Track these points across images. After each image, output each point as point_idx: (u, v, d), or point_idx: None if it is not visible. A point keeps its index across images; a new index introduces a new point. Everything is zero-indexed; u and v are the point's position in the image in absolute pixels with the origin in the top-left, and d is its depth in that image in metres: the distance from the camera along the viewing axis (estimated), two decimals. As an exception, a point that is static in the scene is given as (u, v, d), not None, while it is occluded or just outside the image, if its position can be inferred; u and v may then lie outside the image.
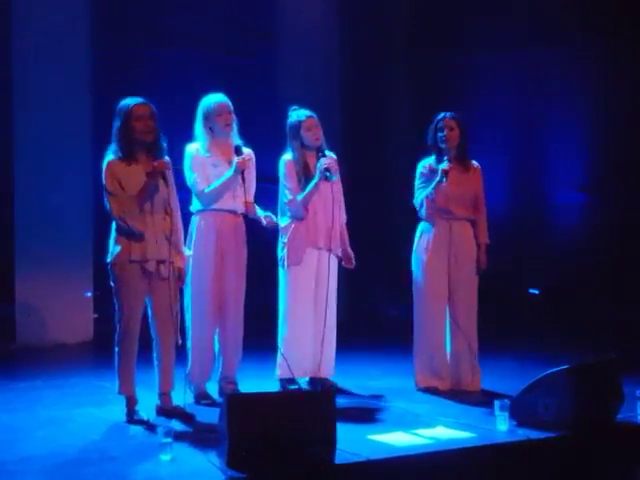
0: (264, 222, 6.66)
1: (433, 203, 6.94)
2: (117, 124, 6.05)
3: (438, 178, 6.90)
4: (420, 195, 7.00)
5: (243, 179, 6.46)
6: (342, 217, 7.11)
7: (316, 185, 6.82)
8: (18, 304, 9.05)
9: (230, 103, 6.64)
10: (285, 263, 6.91)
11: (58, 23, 9.06)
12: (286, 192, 6.91)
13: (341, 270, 7.13)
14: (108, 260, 6.06)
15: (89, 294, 9.32)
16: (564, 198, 10.65)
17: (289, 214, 6.93)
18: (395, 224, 10.84)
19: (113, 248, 6.04)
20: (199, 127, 6.65)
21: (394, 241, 10.71)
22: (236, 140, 6.64)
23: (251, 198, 6.70)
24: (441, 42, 11.04)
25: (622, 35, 9.97)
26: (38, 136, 9.00)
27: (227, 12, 10.61)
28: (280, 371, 6.90)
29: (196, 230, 6.62)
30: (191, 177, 6.52)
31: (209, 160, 6.55)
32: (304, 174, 6.89)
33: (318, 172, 6.81)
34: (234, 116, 6.63)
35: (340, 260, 7.10)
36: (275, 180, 7.02)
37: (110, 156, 6.03)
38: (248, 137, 6.73)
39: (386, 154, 11.21)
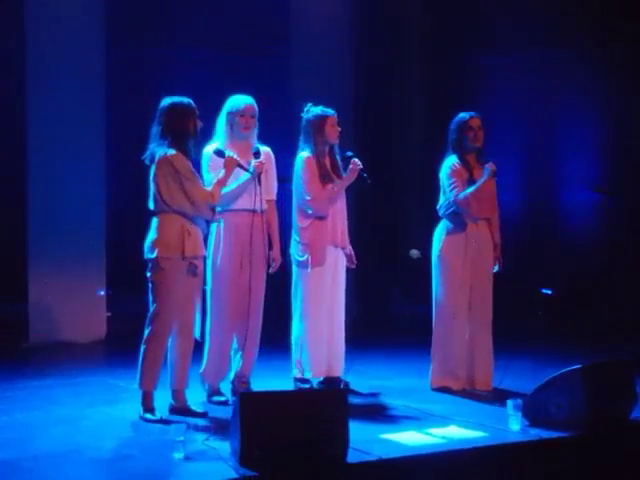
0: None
1: (476, 202, 6.89)
2: (180, 122, 6.03)
3: (486, 177, 6.88)
4: (461, 194, 6.86)
5: (259, 182, 6.45)
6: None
7: (345, 185, 6.80)
8: (31, 303, 9.07)
9: (256, 107, 6.59)
10: (309, 264, 6.77)
11: (73, 21, 9.05)
12: (307, 190, 6.77)
13: (355, 270, 7.09)
14: (153, 254, 5.99)
15: (102, 293, 9.33)
16: (578, 198, 10.62)
17: (310, 212, 6.81)
18: (409, 223, 10.83)
19: (162, 242, 6.00)
20: (221, 124, 6.61)
21: (408, 241, 10.71)
22: (255, 144, 6.61)
23: (271, 196, 6.71)
24: (456, 41, 11.03)
25: (638, 35, 9.93)
26: (52, 135, 8.99)
27: (242, 12, 10.61)
28: (297, 370, 6.88)
29: (215, 229, 6.60)
30: (208, 178, 6.45)
31: (225, 161, 6.53)
32: (324, 171, 6.84)
33: (355, 173, 6.75)
34: (256, 121, 6.60)
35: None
36: (287, 180, 6.97)
37: (171, 151, 5.99)
38: (261, 137, 6.70)
39: (400, 154, 11.19)
